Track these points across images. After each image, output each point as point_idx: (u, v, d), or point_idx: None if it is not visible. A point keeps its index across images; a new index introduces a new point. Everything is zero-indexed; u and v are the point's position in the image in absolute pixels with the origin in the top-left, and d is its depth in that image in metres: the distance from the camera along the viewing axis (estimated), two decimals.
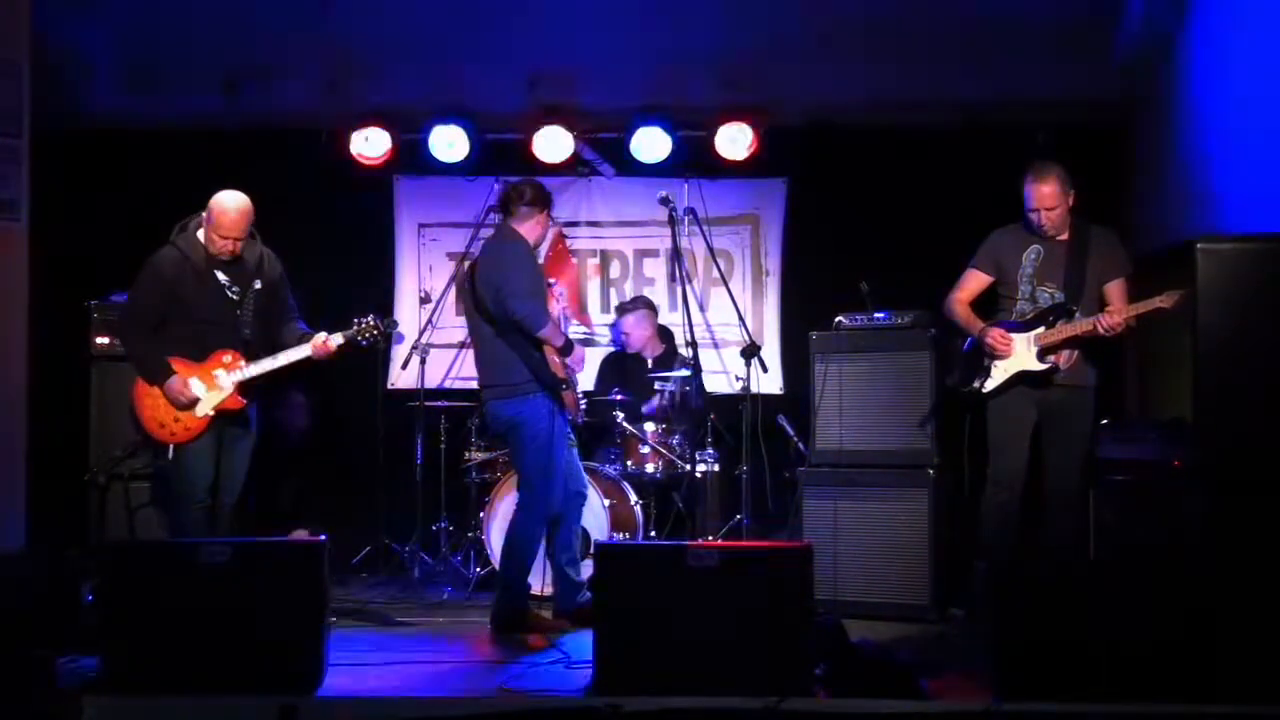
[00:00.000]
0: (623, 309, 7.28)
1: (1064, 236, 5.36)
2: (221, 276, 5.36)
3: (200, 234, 5.37)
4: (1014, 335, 5.34)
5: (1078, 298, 5.31)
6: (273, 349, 5.42)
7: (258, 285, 5.44)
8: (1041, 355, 5.30)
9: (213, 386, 5.30)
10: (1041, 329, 5.30)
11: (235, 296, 5.37)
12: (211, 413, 5.30)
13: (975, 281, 5.54)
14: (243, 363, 5.35)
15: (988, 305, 5.57)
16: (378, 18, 7.00)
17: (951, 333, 5.65)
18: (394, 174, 7.79)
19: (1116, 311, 5.18)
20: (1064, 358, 5.30)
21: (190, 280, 5.30)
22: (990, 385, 5.38)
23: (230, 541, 4.44)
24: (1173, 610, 4.11)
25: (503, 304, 5.33)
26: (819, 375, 6.02)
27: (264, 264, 5.49)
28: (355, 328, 5.50)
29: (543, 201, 5.57)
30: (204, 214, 5.34)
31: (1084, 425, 5.38)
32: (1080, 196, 5.39)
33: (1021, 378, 5.34)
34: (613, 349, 7.44)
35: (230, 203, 5.31)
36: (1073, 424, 5.35)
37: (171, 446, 5.28)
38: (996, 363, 5.37)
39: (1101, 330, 5.18)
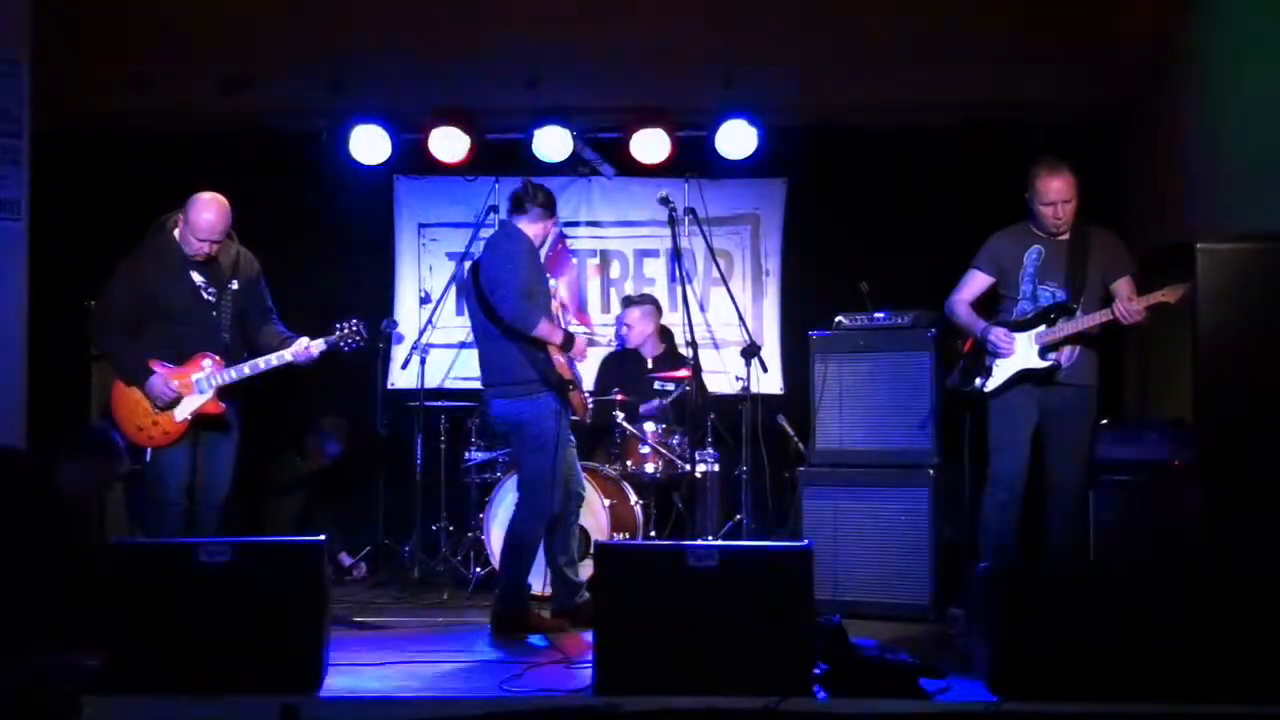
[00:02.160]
0: (628, 302, 7.29)
1: (1065, 236, 5.35)
2: (197, 277, 5.22)
3: (176, 233, 5.24)
4: (1015, 334, 5.34)
5: (1079, 296, 5.29)
6: (251, 351, 5.32)
7: (234, 286, 5.30)
8: (1043, 353, 5.30)
9: (191, 391, 5.17)
10: (1043, 328, 5.30)
11: (211, 298, 5.24)
12: (190, 417, 5.17)
13: (977, 283, 5.53)
14: (222, 367, 5.22)
15: (989, 306, 5.57)
16: (378, 18, 7.00)
17: (952, 334, 5.65)
18: (394, 174, 7.79)
19: (1134, 298, 5.15)
20: (1065, 354, 5.30)
21: (165, 281, 5.18)
22: (991, 385, 5.38)
23: (230, 541, 4.43)
24: (1173, 610, 4.11)
25: (496, 304, 5.33)
26: (819, 375, 6.02)
27: (240, 263, 5.35)
28: (337, 334, 5.36)
29: (552, 207, 5.61)
30: (180, 214, 5.22)
31: (1085, 425, 5.37)
32: (1080, 196, 5.38)
33: (1023, 377, 5.33)
34: (613, 349, 7.44)
35: (208, 205, 5.17)
36: (1074, 424, 5.34)
37: (149, 450, 5.16)
38: (998, 362, 5.36)
39: (1121, 317, 5.14)
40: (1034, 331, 5.31)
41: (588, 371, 6.98)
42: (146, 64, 7.12)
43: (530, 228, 5.51)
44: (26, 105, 5.64)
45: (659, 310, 7.27)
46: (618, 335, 7.35)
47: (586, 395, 5.93)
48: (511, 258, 5.40)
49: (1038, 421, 5.36)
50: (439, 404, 7.07)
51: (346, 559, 7.01)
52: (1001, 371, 5.36)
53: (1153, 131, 7.00)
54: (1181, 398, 5.57)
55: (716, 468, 6.78)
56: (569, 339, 5.47)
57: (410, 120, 7.43)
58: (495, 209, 7.48)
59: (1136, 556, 5.26)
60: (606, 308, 7.83)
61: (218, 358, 5.22)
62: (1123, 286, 5.29)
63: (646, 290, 7.67)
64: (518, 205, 5.55)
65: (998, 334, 5.33)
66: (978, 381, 5.41)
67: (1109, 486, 5.40)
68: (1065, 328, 5.26)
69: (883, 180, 7.40)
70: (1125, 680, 4.04)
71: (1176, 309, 5.12)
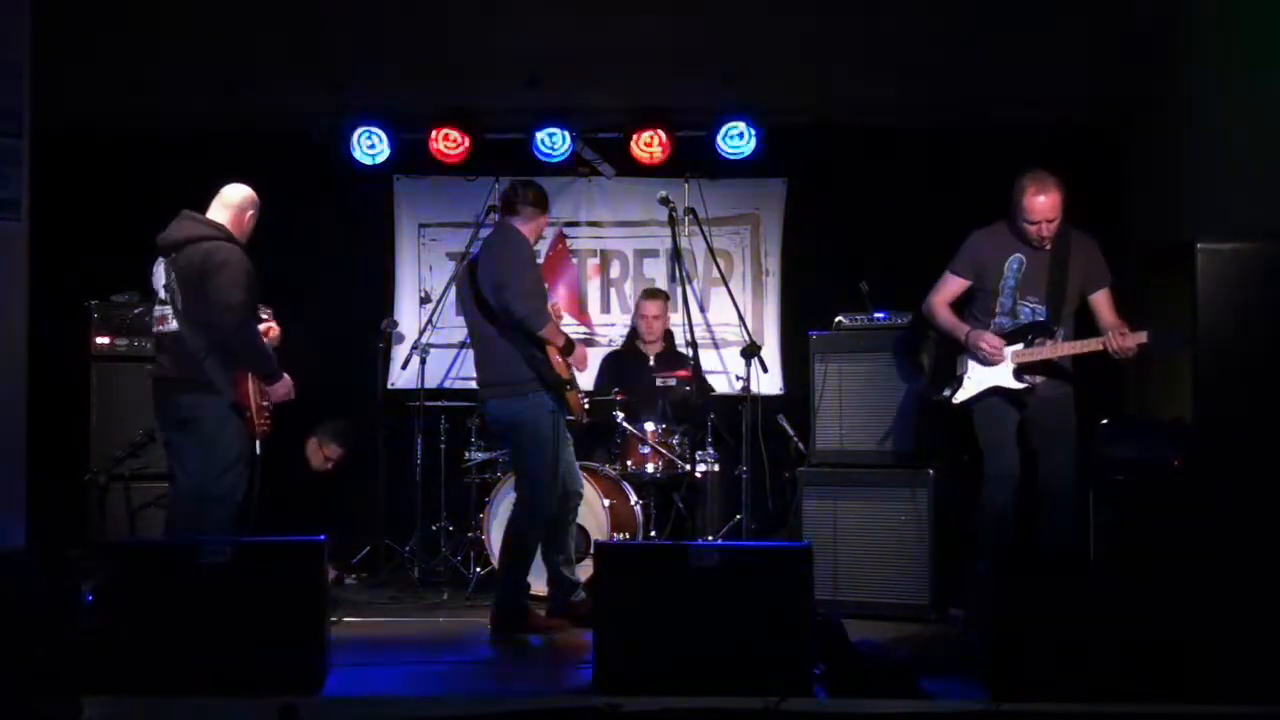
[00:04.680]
0: (648, 294, 7.24)
1: (1047, 247, 5.26)
2: None
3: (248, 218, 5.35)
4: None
5: (1059, 313, 5.20)
6: None
7: None
8: (1018, 374, 5.24)
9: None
10: (1020, 346, 5.21)
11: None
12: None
13: (955, 285, 5.41)
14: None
15: (961, 306, 5.49)
16: (378, 18, 7.00)
17: (922, 334, 5.59)
18: (394, 174, 7.79)
19: (1128, 335, 5.04)
20: (1040, 378, 5.25)
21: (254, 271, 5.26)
22: (960, 397, 5.30)
23: (230, 541, 4.43)
24: (1173, 610, 4.11)
25: (505, 303, 5.32)
26: (819, 375, 6.02)
27: None
28: None
29: (544, 204, 5.60)
30: (249, 209, 5.34)
31: (1068, 423, 5.28)
32: (1080, 197, 5.33)
33: (995, 392, 5.28)
34: (613, 348, 7.44)
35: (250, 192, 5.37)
36: (1057, 424, 5.25)
37: (256, 442, 5.17)
38: (969, 374, 5.30)
39: (1112, 351, 5.06)
40: (1011, 348, 5.22)
41: (588, 371, 6.98)
42: (146, 65, 7.12)
43: (525, 226, 5.51)
44: (26, 105, 5.63)
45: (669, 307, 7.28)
46: (633, 326, 7.32)
47: (583, 395, 5.93)
48: (514, 257, 5.40)
49: (1021, 420, 5.31)
50: (439, 404, 7.07)
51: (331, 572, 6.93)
52: (973, 384, 5.29)
53: (1153, 131, 7.00)
54: (1181, 398, 5.56)
55: (716, 468, 6.78)
56: (570, 343, 5.47)
57: (410, 120, 7.43)
58: (495, 209, 7.46)
59: (1136, 556, 5.25)
60: (606, 308, 7.82)
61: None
62: (1100, 301, 5.22)
63: None
64: (509, 206, 5.55)
65: (987, 342, 5.24)
66: (947, 391, 5.36)
67: (1109, 486, 5.39)
68: (1044, 350, 5.16)
69: (883, 180, 7.40)
70: (1124, 681, 4.04)
71: (1175, 302, 5.10)
